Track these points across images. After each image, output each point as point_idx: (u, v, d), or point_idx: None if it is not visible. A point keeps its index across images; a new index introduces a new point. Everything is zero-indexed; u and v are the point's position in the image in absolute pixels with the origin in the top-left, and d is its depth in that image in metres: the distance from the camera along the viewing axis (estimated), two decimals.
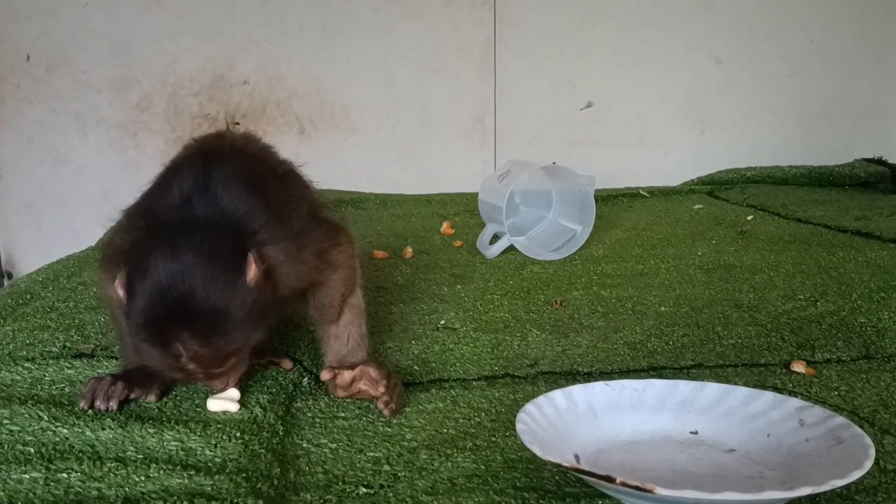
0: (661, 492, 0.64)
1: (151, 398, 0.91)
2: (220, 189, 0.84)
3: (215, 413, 0.88)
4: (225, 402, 0.89)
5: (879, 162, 2.37)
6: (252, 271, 0.81)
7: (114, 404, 0.87)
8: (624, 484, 0.65)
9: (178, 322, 0.78)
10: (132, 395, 0.90)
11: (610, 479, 0.66)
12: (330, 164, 2.52)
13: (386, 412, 0.90)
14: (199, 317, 0.78)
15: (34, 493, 0.70)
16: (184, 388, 0.94)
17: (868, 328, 1.17)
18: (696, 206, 2.06)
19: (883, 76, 2.64)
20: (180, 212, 0.84)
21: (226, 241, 0.81)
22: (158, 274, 0.78)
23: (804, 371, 1.04)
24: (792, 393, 0.94)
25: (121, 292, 0.81)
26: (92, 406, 0.87)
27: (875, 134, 2.63)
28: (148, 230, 0.84)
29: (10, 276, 2.56)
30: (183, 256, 0.79)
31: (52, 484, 0.72)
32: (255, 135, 1.03)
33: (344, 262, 0.97)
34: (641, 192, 2.24)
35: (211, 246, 0.80)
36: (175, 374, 0.83)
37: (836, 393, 0.96)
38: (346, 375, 0.93)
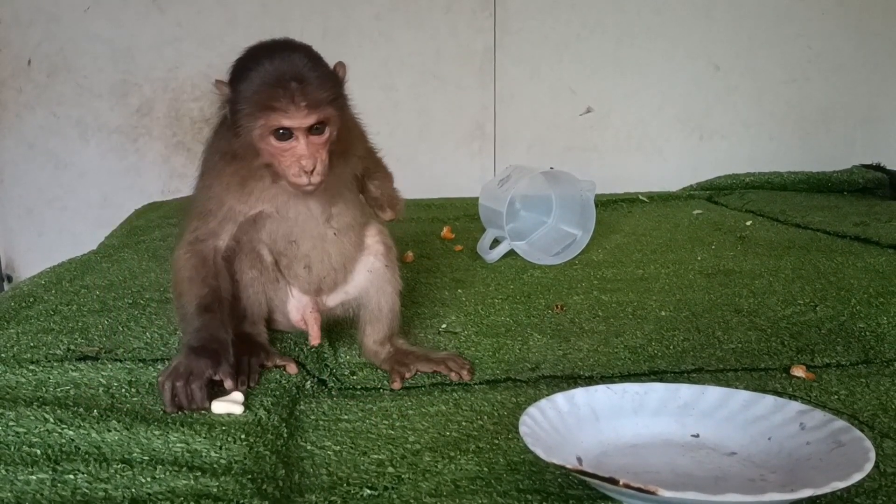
0: (664, 494, 0.65)
1: (229, 383, 0.93)
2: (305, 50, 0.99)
3: (220, 415, 0.88)
4: (229, 404, 0.90)
5: (878, 168, 2.38)
6: (339, 66, 0.98)
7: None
8: (627, 486, 0.66)
9: (291, 62, 0.93)
10: (215, 377, 0.93)
11: (613, 481, 0.66)
12: None
13: (466, 376, 1.04)
14: (306, 59, 0.94)
15: (41, 494, 0.70)
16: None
17: (867, 333, 1.17)
18: (696, 212, 2.07)
19: (881, 83, 2.66)
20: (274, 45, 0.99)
21: (312, 50, 0.98)
22: (266, 54, 0.95)
23: (804, 375, 1.04)
24: (792, 397, 0.95)
25: (221, 86, 0.96)
26: (180, 409, 0.90)
27: (873, 140, 2.64)
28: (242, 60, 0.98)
29: (9, 279, 2.56)
30: (284, 52, 0.95)
31: (59, 485, 0.72)
32: None
33: (388, 173, 1.15)
34: (641, 197, 2.25)
35: (304, 48, 0.97)
36: (281, 113, 0.92)
37: (836, 397, 0.97)
38: (408, 375, 1.05)
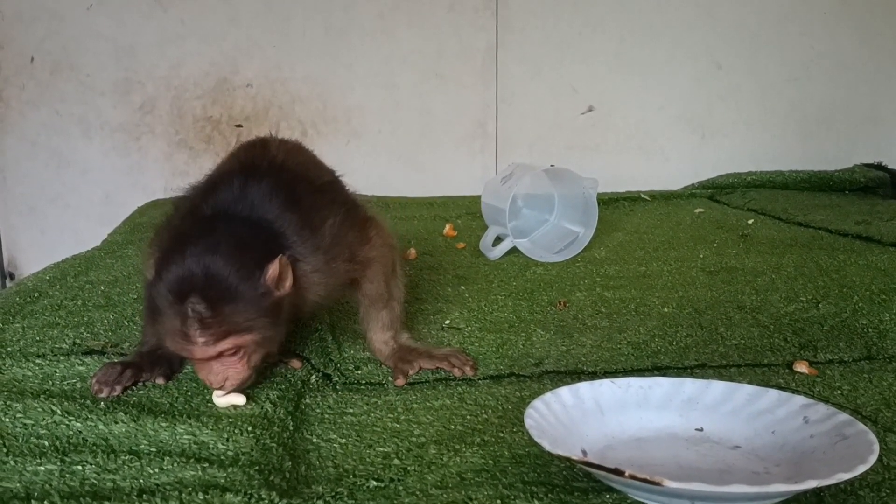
0: (670, 485, 0.65)
1: (159, 380, 0.95)
2: (256, 204, 0.90)
3: (224, 408, 0.89)
4: (232, 396, 0.90)
5: (879, 167, 2.39)
6: (272, 270, 0.86)
7: (119, 389, 0.91)
8: (633, 477, 0.66)
9: (194, 284, 0.83)
10: (141, 379, 0.94)
11: (619, 473, 0.67)
12: (332, 166, 2.54)
13: (469, 372, 1.04)
14: (213, 284, 0.83)
15: (50, 485, 0.71)
16: (195, 384, 0.95)
17: (869, 329, 1.18)
18: (698, 210, 2.08)
19: (883, 83, 2.66)
20: (218, 216, 0.90)
21: (258, 243, 0.88)
22: (188, 252, 0.85)
23: (807, 371, 1.05)
24: (796, 392, 0.95)
25: (149, 272, 0.87)
26: (99, 392, 0.91)
27: (875, 139, 2.65)
28: (185, 225, 0.91)
29: (11, 277, 2.56)
30: (214, 244, 0.85)
31: (67, 476, 0.72)
32: (299, 144, 1.11)
33: (376, 255, 1.04)
34: (643, 195, 2.25)
35: (241, 242, 0.87)
36: (180, 342, 0.85)
37: (839, 392, 0.97)
38: (412, 372, 1.04)
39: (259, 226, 0.89)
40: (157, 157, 2.56)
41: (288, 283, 0.88)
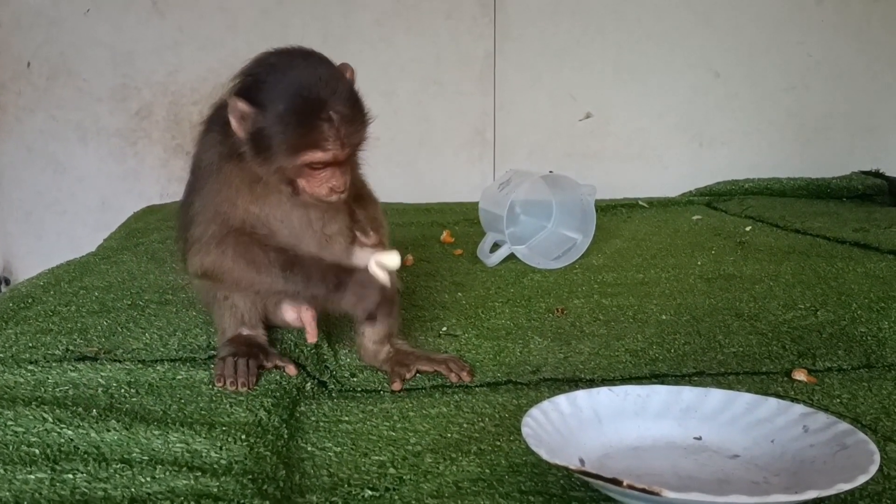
0: (668, 495, 0.64)
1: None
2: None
3: (220, 415, 0.87)
4: (389, 256, 0.96)
5: (877, 175, 2.38)
6: (349, 70, 0.97)
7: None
8: (631, 487, 0.65)
9: (325, 90, 0.92)
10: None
11: (617, 482, 0.66)
12: None
13: (466, 378, 1.04)
14: (340, 85, 0.93)
15: (40, 494, 0.70)
16: (188, 391, 0.94)
17: (868, 337, 1.17)
18: (695, 217, 2.07)
19: (880, 91, 2.66)
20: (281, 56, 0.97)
21: (323, 59, 0.97)
22: (287, 75, 0.93)
23: (805, 379, 1.04)
24: (794, 400, 0.94)
25: (244, 106, 0.93)
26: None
27: (872, 147, 2.65)
28: (252, 72, 0.97)
29: (7, 282, 2.55)
30: (299, 64, 0.94)
31: (57, 484, 0.71)
32: None
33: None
34: (640, 203, 2.25)
35: (316, 59, 0.96)
36: (323, 146, 0.92)
37: (839, 401, 0.97)
38: (409, 376, 1.04)
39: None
40: (153, 163, 2.55)
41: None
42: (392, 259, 0.99)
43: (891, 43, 2.64)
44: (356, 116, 0.94)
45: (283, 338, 1.14)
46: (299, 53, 0.97)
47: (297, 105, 0.92)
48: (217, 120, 1.01)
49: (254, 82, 0.95)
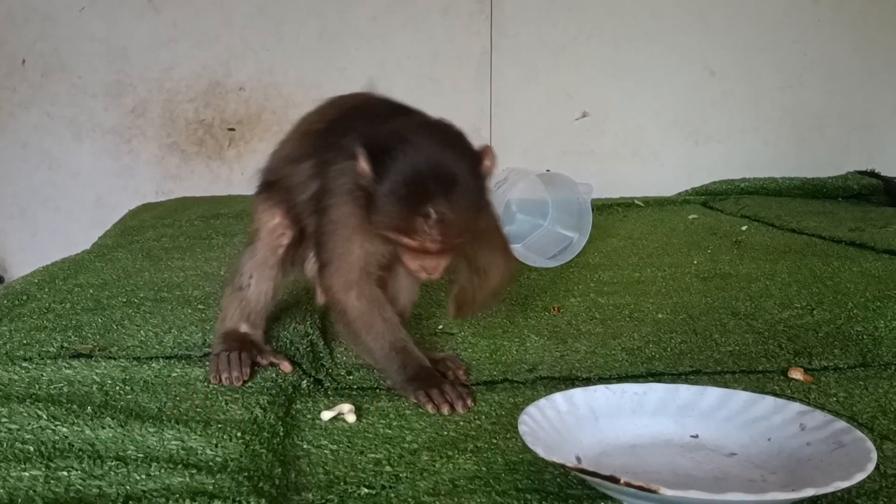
0: (666, 492, 0.64)
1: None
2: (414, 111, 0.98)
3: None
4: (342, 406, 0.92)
5: (872, 174, 2.39)
6: (490, 157, 0.91)
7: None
8: (628, 484, 0.65)
9: (437, 184, 0.87)
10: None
11: (614, 480, 0.66)
12: None
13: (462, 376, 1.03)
14: (455, 183, 0.88)
15: (34, 491, 0.69)
16: (184, 388, 0.94)
17: (864, 336, 1.17)
18: (691, 216, 2.07)
19: (876, 90, 2.67)
20: (409, 122, 0.95)
21: (460, 141, 0.92)
22: (411, 153, 0.88)
23: (802, 378, 1.04)
24: (791, 399, 0.94)
25: (365, 165, 0.89)
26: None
27: (868, 147, 2.65)
28: (376, 131, 0.93)
29: (1, 279, 2.54)
30: (429, 144, 0.89)
31: (52, 482, 0.71)
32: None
33: (508, 259, 1.07)
34: (637, 201, 2.25)
35: (451, 142, 0.91)
36: (419, 241, 0.89)
37: (835, 399, 0.97)
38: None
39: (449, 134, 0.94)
40: (148, 159, 2.54)
41: (493, 166, 0.92)
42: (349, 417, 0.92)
43: (887, 41, 2.65)
44: (460, 217, 0.88)
45: (278, 335, 1.13)
46: (437, 129, 0.93)
47: (402, 191, 0.88)
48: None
49: (383, 141, 0.91)
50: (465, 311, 1.05)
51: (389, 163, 0.89)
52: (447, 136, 0.92)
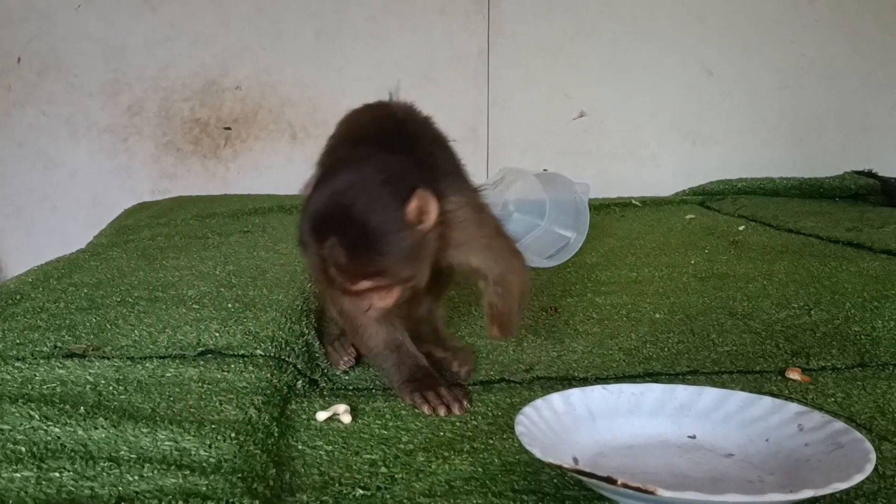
0: (664, 493, 0.64)
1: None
2: (406, 143, 0.91)
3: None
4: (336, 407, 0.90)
5: (870, 174, 2.38)
6: (414, 205, 0.84)
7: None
8: (625, 486, 0.65)
9: (333, 226, 0.83)
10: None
11: (611, 481, 0.65)
12: None
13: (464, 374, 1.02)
14: (353, 226, 0.82)
15: (25, 492, 0.68)
16: (178, 388, 0.93)
17: (862, 336, 1.17)
18: (689, 217, 2.07)
19: (873, 90, 2.67)
20: (375, 143, 0.90)
21: (402, 177, 0.85)
22: (331, 185, 0.85)
23: (799, 378, 1.03)
24: (789, 399, 0.94)
25: (307, 190, 0.87)
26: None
27: (865, 147, 2.65)
28: (345, 151, 0.92)
29: None
30: (357, 179, 0.84)
31: (43, 483, 0.70)
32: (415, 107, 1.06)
33: (521, 263, 1.01)
34: (634, 201, 2.24)
35: (386, 176, 0.84)
36: (321, 279, 0.86)
37: (833, 399, 0.96)
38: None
39: (407, 160, 0.88)
40: (144, 158, 2.54)
41: (432, 215, 0.86)
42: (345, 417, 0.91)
43: (884, 42, 2.65)
44: (353, 261, 0.83)
45: (273, 335, 1.12)
46: (375, 163, 0.86)
47: (301, 229, 0.85)
48: None
49: (322, 172, 0.90)
50: (505, 327, 1.00)
51: (318, 186, 0.86)
52: (380, 173, 0.85)
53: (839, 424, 0.77)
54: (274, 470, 0.76)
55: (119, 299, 1.28)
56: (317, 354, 1.09)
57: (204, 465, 0.75)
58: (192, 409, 0.87)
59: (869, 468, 0.68)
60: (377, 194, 0.84)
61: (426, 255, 0.89)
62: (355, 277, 0.85)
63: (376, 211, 0.83)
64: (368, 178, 0.84)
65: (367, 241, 0.83)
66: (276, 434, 0.84)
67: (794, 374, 1.04)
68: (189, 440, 0.79)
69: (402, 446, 0.83)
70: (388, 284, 0.87)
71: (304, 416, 0.91)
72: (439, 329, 1.11)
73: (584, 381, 1.02)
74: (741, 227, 1.91)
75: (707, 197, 2.34)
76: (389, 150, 0.89)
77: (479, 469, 0.78)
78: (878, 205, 2.27)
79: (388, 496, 0.72)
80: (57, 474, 0.72)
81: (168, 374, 0.97)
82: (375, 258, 0.84)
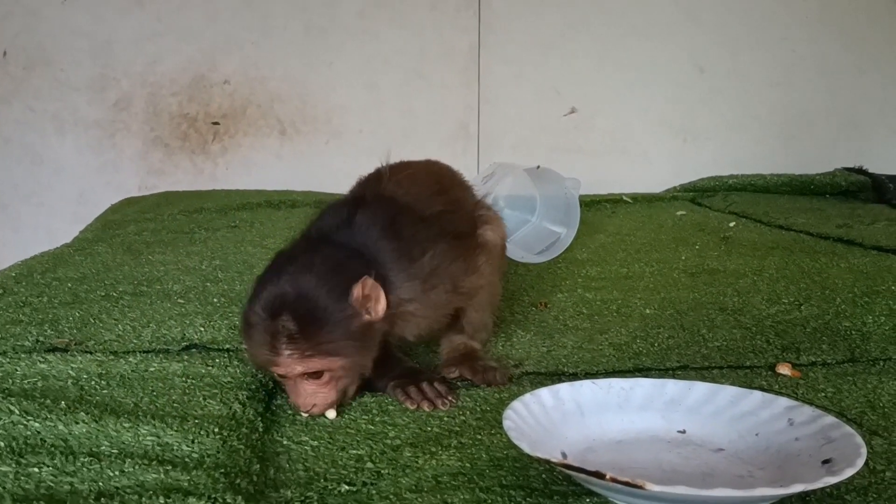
0: (653, 488, 0.63)
1: None
2: (357, 232, 0.93)
3: (200, 409, 0.85)
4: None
5: (860, 171, 2.39)
6: (357, 291, 0.86)
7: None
8: (614, 480, 0.64)
9: (285, 303, 0.84)
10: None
11: (600, 476, 0.64)
12: (311, 166, 2.51)
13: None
14: (304, 305, 0.85)
15: (3, 487, 0.67)
16: (161, 383, 0.92)
17: (853, 332, 1.16)
18: (679, 213, 2.06)
19: (864, 87, 2.67)
20: (319, 240, 0.94)
21: (352, 267, 0.88)
22: (284, 272, 0.87)
23: (790, 373, 1.03)
24: (779, 394, 0.93)
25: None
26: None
27: (856, 144, 2.65)
28: (289, 247, 0.94)
29: None
30: (308, 265, 0.87)
31: (22, 478, 0.69)
32: (418, 173, 1.12)
33: (484, 283, 1.04)
34: (625, 198, 2.24)
35: (336, 265, 0.88)
36: (267, 356, 0.86)
37: (823, 394, 0.96)
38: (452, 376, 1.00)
39: (357, 252, 0.91)
40: (132, 154, 2.51)
41: (380, 306, 0.88)
42: (329, 414, 0.89)
43: (875, 39, 2.65)
44: (306, 335, 0.84)
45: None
46: (327, 248, 0.91)
47: (256, 309, 0.86)
48: None
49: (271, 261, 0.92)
50: (486, 375, 0.99)
51: (261, 282, 0.89)
52: (326, 259, 0.89)
53: (830, 419, 0.76)
54: (258, 465, 0.75)
55: (103, 294, 1.26)
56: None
57: (186, 460, 0.74)
58: (175, 404, 0.86)
59: (860, 463, 0.67)
60: (325, 280, 0.87)
61: (374, 345, 0.91)
62: (304, 353, 0.85)
63: (326, 294, 0.86)
64: (317, 268, 0.87)
65: (319, 318, 0.85)
66: (260, 429, 0.83)
67: (784, 370, 1.04)
68: (171, 435, 0.78)
69: (388, 441, 0.82)
70: (332, 368, 0.87)
71: (289, 411, 0.89)
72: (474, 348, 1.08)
73: (574, 377, 1.01)
74: (732, 224, 1.91)
75: (698, 193, 2.34)
76: (350, 237, 0.93)
77: (467, 464, 0.77)
78: (869, 201, 2.27)
79: (374, 492, 0.71)
80: (36, 469, 0.70)
81: (151, 369, 0.96)
82: (325, 335, 0.85)
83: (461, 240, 1.01)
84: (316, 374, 0.87)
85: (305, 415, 0.88)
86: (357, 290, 0.86)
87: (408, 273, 0.93)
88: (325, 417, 0.88)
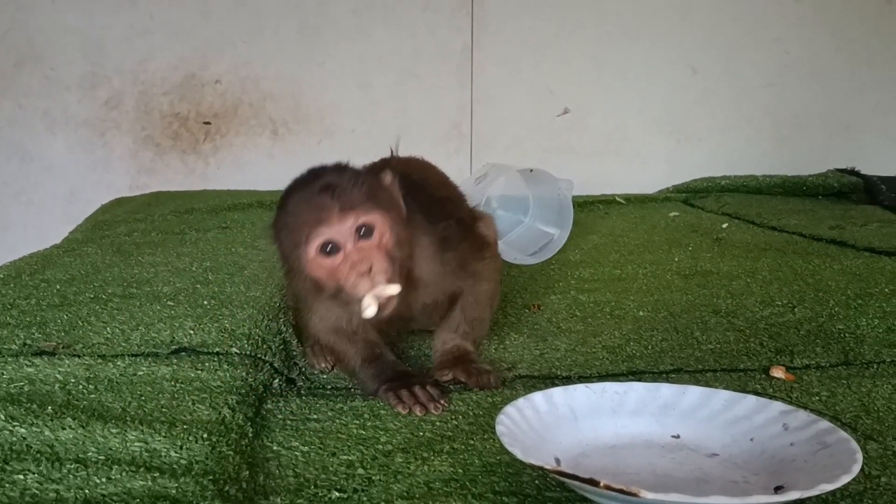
0: (647, 496, 0.62)
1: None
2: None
3: (192, 408, 0.84)
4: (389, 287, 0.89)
5: (852, 173, 2.38)
6: (389, 175, 0.95)
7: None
8: (608, 487, 0.63)
9: (328, 178, 0.91)
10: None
11: (594, 483, 0.64)
12: (303, 165, 2.47)
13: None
14: (344, 176, 0.92)
15: None
16: (149, 388, 0.91)
17: (846, 334, 1.16)
18: (672, 214, 2.06)
19: (857, 89, 2.67)
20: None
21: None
22: (316, 172, 0.94)
23: (784, 377, 1.02)
24: (773, 398, 0.92)
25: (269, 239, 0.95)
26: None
27: (848, 145, 2.65)
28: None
29: None
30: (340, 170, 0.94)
31: (6, 486, 0.68)
32: (424, 161, 1.25)
33: (488, 275, 1.08)
34: (618, 199, 2.23)
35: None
36: (318, 224, 0.89)
37: (818, 398, 0.95)
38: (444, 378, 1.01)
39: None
40: (122, 153, 2.50)
41: (401, 201, 0.95)
42: (391, 289, 0.89)
43: (868, 41, 2.65)
44: (351, 191, 0.90)
45: (249, 333, 1.10)
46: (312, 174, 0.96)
47: (289, 202, 0.94)
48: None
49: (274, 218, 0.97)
50: (480, 378, 0.99)
51: (279, 209, 0.96)
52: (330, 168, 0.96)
53: (825, 424, 0.76)
54: (247, 472, 0.74)
55: (92, 296, 1.25)
56: (294, 353, 1.07)
57: (174, 466, 0.72)
58: (163, 409, 0.85)
59: (856, 469, 0.67)
60: (360, 172, 0.95)
61: (403, 221, 0.95)
62: (351, 204, 0.89)
63: (361, 174, 0.94)
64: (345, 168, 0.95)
65: (359, 183, 0.92)
66: (250, 434, 0.82)
67: (778, 373, 1.03)
68: (159, 441, 0.77)
69: (380, 447, 0.81)
70: (377, 222, 0.90)
71: (279, 416, 0.88)
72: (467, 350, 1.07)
73: (567, 380, 1.01)
74: (725, 225, 1.91)
75: (691, 194, 2.34)
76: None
77: (459, 470, 0.76)
78: (861, 203, 2.27)
79: (365, 498, 0.71)
80: (21, 476, 0.69)
81: (140, 373, 0.95)
82: (366, 194, 0.91)
83: (470, 224, 1.08)
84: (367, 233, 0.89)
85: (370, 295, 0.88)
86: (387, 175, 0.95)
87: (424, 230, 0.98)
88: (388, 293, 0.88)
